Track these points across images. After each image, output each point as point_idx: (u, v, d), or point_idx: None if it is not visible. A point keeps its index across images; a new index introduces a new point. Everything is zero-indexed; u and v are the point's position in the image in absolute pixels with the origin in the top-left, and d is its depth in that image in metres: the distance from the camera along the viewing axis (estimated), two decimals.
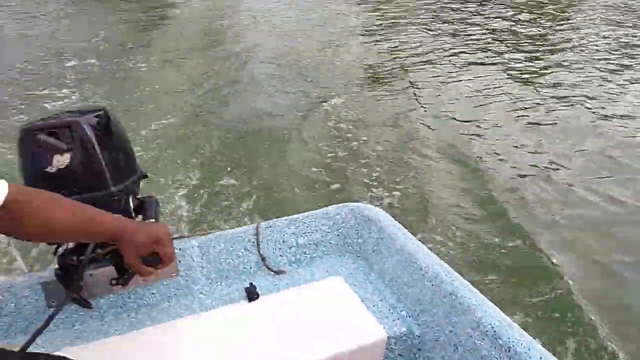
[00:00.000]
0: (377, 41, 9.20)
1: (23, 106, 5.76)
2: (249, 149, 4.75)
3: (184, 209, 3.66)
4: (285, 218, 1.67)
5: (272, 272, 1.60)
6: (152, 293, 1.46)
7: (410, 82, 6.74)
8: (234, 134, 5.12)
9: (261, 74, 7.19)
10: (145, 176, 1.49)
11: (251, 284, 1.54)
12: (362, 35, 9.77)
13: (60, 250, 1.26)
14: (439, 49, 8.32)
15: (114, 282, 1.33)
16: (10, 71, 6.94)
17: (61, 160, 1.22)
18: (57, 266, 1.28)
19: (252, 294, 1.50)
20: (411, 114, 5.59)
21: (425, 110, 5.68)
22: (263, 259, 1.61)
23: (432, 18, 11.00)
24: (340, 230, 1.70)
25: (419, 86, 6.51)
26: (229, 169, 4.34)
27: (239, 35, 9.70)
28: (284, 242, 1.65)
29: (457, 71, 7.09)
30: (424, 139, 4.97)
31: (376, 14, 12.15)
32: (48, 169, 1.21)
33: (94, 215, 1.01)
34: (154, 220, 1.36)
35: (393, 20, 11.19)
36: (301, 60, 7.82)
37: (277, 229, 1.64)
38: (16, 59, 7.41)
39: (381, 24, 10.87)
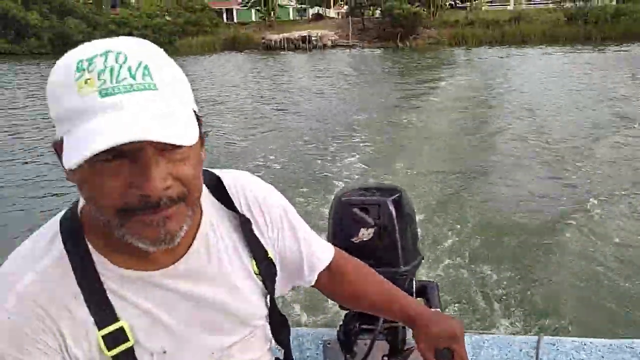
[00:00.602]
0: None
1: (323, 135, 8.54)
2: (511, 240, 4.34)
3: (451, 296, 3.51)
4: (573, 339, 1.44)
5: None
6: None
7: None
8: (491, 218, 4.84)
9: (518, 156, 6.91)
10: (422, 258, 1.49)
11: None
12: None
13: (350, 313, 1.34)
14: None
15: (385, 358, 1.35)
16: (322, 121, 10.20)
17: (366, 234, 1.32)
18: (341, 329, 1.36)
19: None
20: None
21: None
22: None
23: None
24: None
25: None
26: (493, 261, 3.98)
27: (498, 112, 9.91)
28: None
29: None
30: None
31: None
32: (354, 239, 1.32)
33: (398, 296, 1.04)
34: (438, 308, 1.34)
35: None
36: (564, 147, 7.19)
37: (563, 349, 1.42)
38: (321, 117, 10.53)
39: None
